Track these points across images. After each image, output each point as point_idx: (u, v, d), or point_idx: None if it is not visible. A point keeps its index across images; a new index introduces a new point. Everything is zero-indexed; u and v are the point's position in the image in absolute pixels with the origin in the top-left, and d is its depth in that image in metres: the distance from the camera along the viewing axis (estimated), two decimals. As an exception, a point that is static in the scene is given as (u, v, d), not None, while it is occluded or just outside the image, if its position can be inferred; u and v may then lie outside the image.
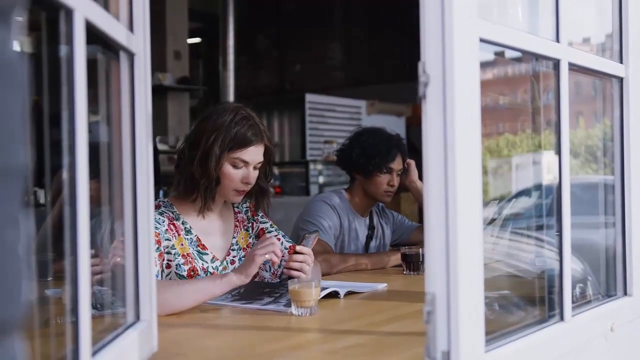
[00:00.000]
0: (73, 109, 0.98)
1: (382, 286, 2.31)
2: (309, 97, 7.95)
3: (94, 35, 1.08)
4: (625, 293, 1.77)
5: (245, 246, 2.34)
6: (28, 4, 0.66)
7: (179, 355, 1.50)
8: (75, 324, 0.97)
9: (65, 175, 0.98)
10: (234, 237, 2.32)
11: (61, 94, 0.98)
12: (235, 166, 2.17)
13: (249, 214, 2.40)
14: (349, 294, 2.14)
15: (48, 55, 1.01)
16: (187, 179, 2.19)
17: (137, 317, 1.33)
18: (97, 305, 1.27)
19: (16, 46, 0.56)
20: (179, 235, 2.17)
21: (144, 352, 1.32)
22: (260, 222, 2.40)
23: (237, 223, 2.35)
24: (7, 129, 0.52)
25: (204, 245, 2.22)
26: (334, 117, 8.05)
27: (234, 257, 2.30)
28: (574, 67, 1.54)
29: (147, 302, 1.35)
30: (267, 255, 1.95)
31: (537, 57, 1.53)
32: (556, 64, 1.50)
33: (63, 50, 0.98)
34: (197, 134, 2.19)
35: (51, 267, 1.01)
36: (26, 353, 0.61)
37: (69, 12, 0.97)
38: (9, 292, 0.54)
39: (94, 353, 1.05)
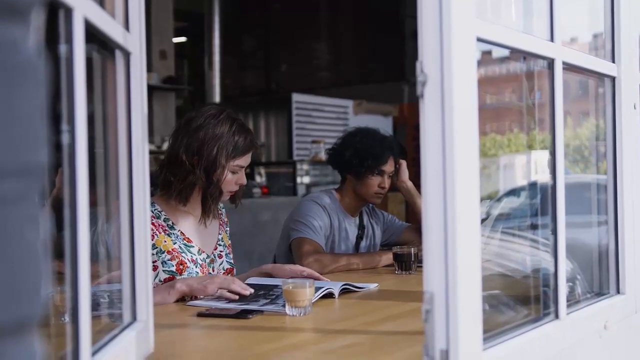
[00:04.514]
0: (73, 107, 0.97)
1: (373, 286, 2.31)
2: (296, 97, 7.92)
3: (90, 34, 1.07)
4: (617, 291, 1.78)
5: (228, 244, 2.42)
6: (45, 3, 0.65)
7: (175, 355, 1.49)
8: (75, 325, 0.96)
9: (64, 175, 0.97)
10: (219, 234, 2.39)
11: (59, 92, 0.97)
12: (233, 172, 2.25)
13: (226, 219, 2.47)
14: (344, 292, 2.14)
15: (46, 53, 1.00)
16: (187, 187, 2.19)
17: (134, 318, 1.33)
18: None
19: (35, 45, 0.56)
20: (161, 232, 2.18)
21: (140, 353, 1.31)
22: (230, 233, 2.49)
23: (221, 222, 2.42)
24: (27, 127, 0.52)
25: (189, 238, 2.25)
26: (320, 117, 8.03)
27: (220, 251, 2.36)
28: (567, 67, 1.55)
29: (143, 303, 1.34)
30: (218, 292, 2.00)
31: (532, 56, 1.54)
32: (550, 63, 1.50)
33: (62, 48, 0.97)
34: (193, 142, 2.19)
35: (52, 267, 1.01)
36: (45, 351, 0.61)
37: (69, 11, 0.96)
38: (30, 291, 0.53)
39: (94, 353, 1.04)
